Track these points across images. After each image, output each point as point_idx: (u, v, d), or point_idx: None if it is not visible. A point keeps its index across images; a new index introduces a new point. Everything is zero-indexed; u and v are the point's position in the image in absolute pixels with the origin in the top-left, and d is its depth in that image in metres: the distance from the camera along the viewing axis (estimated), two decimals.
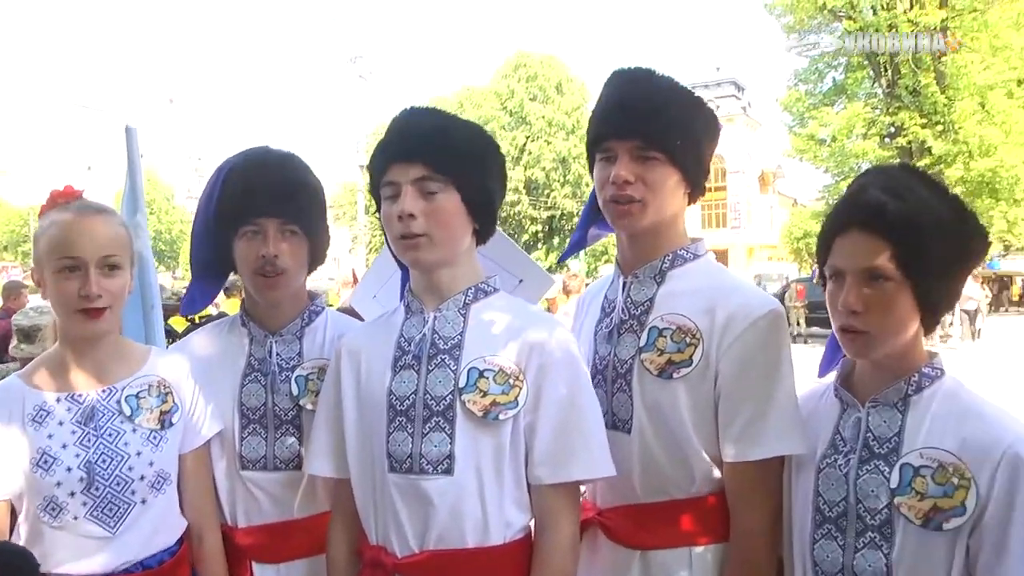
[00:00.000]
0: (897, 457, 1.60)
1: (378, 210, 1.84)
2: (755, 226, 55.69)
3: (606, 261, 41.21)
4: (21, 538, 1.83)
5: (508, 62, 49.99)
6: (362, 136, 44.45)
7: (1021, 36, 22.99)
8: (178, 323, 7.81)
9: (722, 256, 48.33)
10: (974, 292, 21.87)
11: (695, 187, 1.93)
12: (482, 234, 1.88)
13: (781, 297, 22.49)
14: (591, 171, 1.98)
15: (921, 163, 24.47)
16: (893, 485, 1.58)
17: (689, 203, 1.98)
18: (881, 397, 1.66)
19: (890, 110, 25.77)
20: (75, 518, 1.80)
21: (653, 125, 1.82)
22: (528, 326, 1.81)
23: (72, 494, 1.80)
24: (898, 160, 24.63)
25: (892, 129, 26.18)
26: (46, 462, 1.80)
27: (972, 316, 21.65)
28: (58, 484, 1.80)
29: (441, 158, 1.74)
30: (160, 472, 1.91)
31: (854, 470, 1.64)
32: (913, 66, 25.01)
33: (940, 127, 24.59)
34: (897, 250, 1.55)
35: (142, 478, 1.87)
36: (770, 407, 1.77)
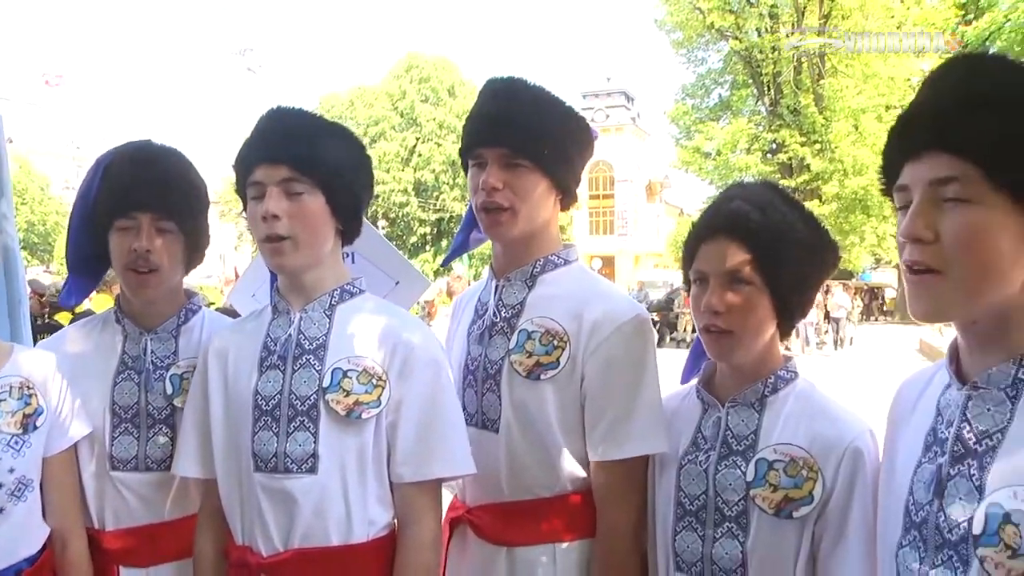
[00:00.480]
0: (753, 453, 1.69)
1: (244, 209, 1.83)
2: (642, 234, 56.92)
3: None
4: None
5: (400, 63, 49.82)
6: (250, 131, 43.44)
7: (888, 66, 24.38)
8: (65, 319, 7.50)
9: (609, 262, 49.39)
10: (844, 302, 22.86)
11: (566, 194, 1.98)
12: (347, 235, 1.89)
13: (668, 303, 23.00)
14: (467, 177, 2.00)
15: (800, 179, 25.62)
16: (749, 478, 1.67)
17: (562, 210, 2.02)
18: (740, 398, 1.75)
19: (772, 127, 26.89)
20: None
21: (521, 134, 1.85)
22: (392, 327, 1.82)
23: None
24: (779, 174, 25.70)
25: (774, 145, 27.32)
26: None
27: (840, 324, 22.53)
28: None
29: (306, 160, 1.74)
30: (21, 479, 1.80)
31: (713, 465, 1.72)
32: (794, 87, 26.13)
33: (818, 146, 25.82)
34: (757, 257, 1.65)
35: (1, 486, 1.75)
36: (635, 409, 1.82)
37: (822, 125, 25.57)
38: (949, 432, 1.30)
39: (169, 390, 2.02)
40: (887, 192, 1.35)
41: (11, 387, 1.84)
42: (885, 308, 39.51)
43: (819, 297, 23.06)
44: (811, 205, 25.05)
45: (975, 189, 1.18)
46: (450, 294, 10.70)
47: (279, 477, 1.73)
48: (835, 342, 22.49)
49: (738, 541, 1.67)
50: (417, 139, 47.54)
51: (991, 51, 20.32)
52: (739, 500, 1.68)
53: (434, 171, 46.85)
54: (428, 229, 47.38)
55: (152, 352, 2.05)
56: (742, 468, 1.68)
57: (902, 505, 1.37)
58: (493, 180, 1.85)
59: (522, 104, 1.89)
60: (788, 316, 1.73)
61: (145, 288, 1.98)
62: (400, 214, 46.36)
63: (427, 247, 46.52)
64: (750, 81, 27.87)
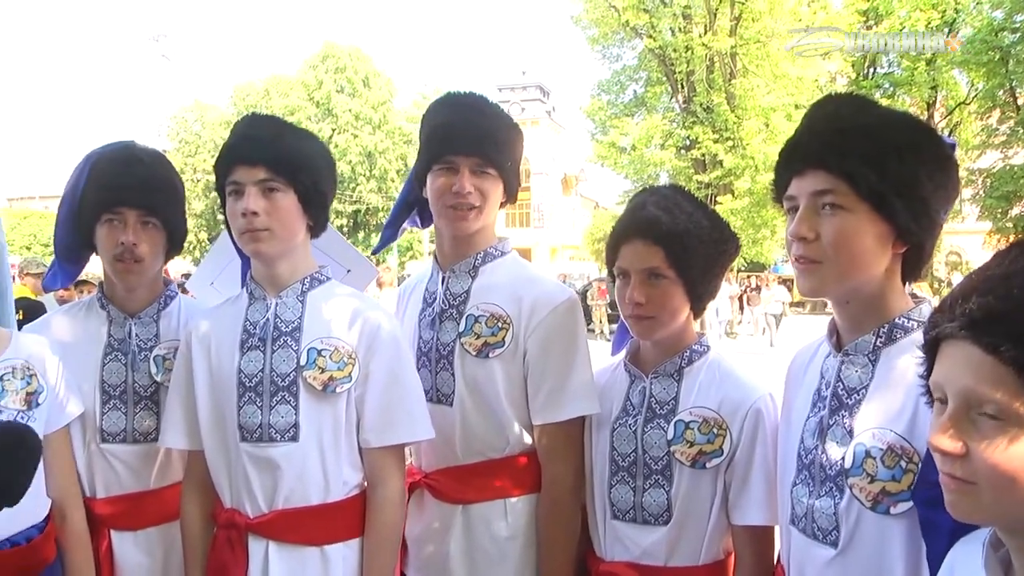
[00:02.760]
0: (674, 416, 1.99)
1: (222, 206, 2.04)
2: (557, 226, 57.37)
3: (411, 257, 41.28)
4: None
5: (316, 53, 49.06)
6: (164, 118, 42.27)
7: (796, 67, 25.13)
8: None
9: (525, 254, 48.24)
10: (783, 295, 22.30)
11: (510, 197, 2.26)
12: (315, 229, 2.13)
13: (584, 295, 23.23)
14: (420, 178, 2.22)
15: (713, 174, 26.15)
16: (670, 437, 1.98)
17: (500, 207, 2.28)
18: (661, 369, 2.06)
19: (686, 124, 27.38)
20: None
21: (491, 146, 2.12)
22: (359, 311, 2.06)
23: None
24: (692, 170, 26.16)
25: (687, 142, 27.79)
26: None
27: (777, 319, 21.26)
28: None
29: (281, 162, 1.96)
30: None
31: (640, 427, 2.02)
32: (707, 86, 26.68)
33: (730, 143, 26.36)
34: (669, 253, 1.95)
35: None
36: (570, 377, 2.10)
37: (734, 123, 26.11)
38: (828, 391, 1.65)
39: (154, 370, 2.23)
40: (777, 200, 1.70)
41: (14, 368, 2.00)
42: (795, 300, 40.52)
43: (733, 288, 23.45)
44: (724, 200, 25.67)
45: (846, 199, 1.53)
46: (379, 284, 11.17)
47: (264, 446, 1.96)
48: (772, 341, 20.42)
49: (664, 490, 1.98)
50: (333, 130, 46.94)
51: (889, 57, 21.36)
52: (663, 456, 1.98)
53: (350, 163, 46.34)
54: (344, 221, 46.91)
55: (136, 335, 2.26)
56: (664, 429, 1.99)
57: (795, 451, 1.71)
58: (468, 184, 2.10)
59: (490, 119, 2.16)
60: (698, 300, 2.03)
61: (129, 276, 2.20)
62: None
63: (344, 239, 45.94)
64: (664, 78, 28.33)
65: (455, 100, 2.21)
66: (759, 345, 20.57)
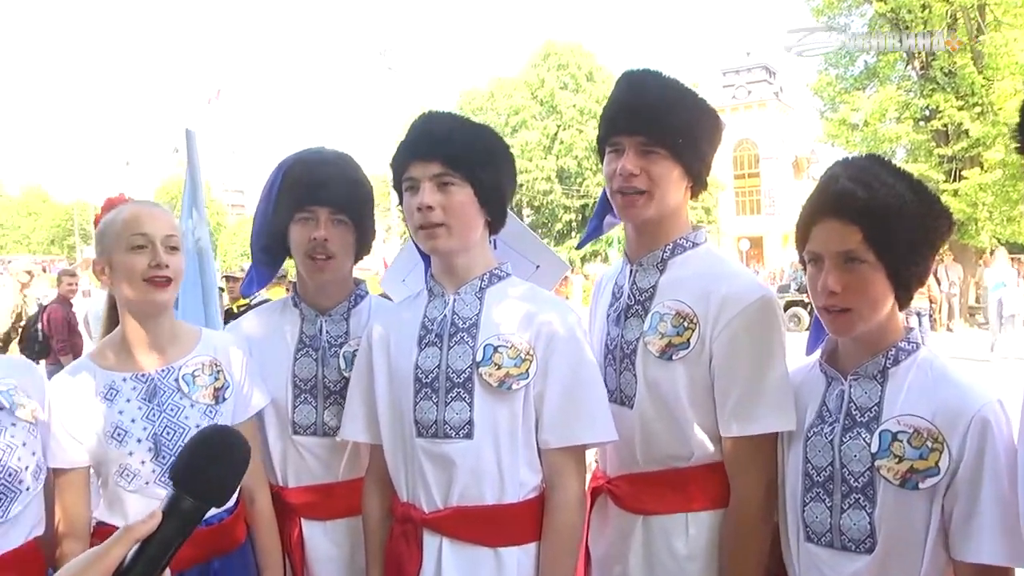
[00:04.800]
0: (877, 424, 1.73)
1: (400, 203, 2.04)
2: (790, 212, 55.06)
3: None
4: (102, 500, 2.05)
5: (538, 52, 49.80)
6: (393, 128, 44.37)
7: None
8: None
9: (757, 243, 48.00)
10: None
11: (697, 182, 2.09)
12: (494, 225, 2.08)
13: None
14: (602, 163, 2.13)
15: (958, 146, 24.02)
16: (874, 449, 1.71)
17: (692, 197, 2.13)
18: (862, 370, 1.80)
19: (924, 92, 25.26)
20: (147, 483, 2.02)
21: (657, 123, 1.98)
22: (538, 308, 1.99)
23: (143, 462, 2.01)
24: (933, 143, 24.25)
25: (927, 112, 25.68)
26: (119, 435, 2.01)
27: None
28: (130, 453, 2.01)
29: (456, 157, 1.94)
30: None
31: (838, 437, 1.78)
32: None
33: (978, 109, 23.98)
34: (867, 233, 1.69)
35: None
36: (762, 387, 1.91)
37: (982, 86, 23.85)
38: None
39: (343, 366, 2.29)
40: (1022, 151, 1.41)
41: (203, 364, 2.15)
42: None
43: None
44: (971, 173, 23.56)
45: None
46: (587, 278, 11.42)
47: (439, 442, 1.94)
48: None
49: (865, 512, 1.72)
50: (558, 126, 47.41)
51: None
52: (865, 471, 1.72)
53: (576, 157, 46.63)
54: (573, 216, 47.23)
55: (327, 332, 2.33)
56: (866, 439, 1.73)
57: None
58: (631, 166, 1.99)
59: (658, 95, 2.01)
60: (904, 286, 1.75)
61: (321, 273, 2.26)
62: (544, 202, 46.38)
63: (572, 234, 46.32)
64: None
65: (626, 78, 2.12)
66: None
